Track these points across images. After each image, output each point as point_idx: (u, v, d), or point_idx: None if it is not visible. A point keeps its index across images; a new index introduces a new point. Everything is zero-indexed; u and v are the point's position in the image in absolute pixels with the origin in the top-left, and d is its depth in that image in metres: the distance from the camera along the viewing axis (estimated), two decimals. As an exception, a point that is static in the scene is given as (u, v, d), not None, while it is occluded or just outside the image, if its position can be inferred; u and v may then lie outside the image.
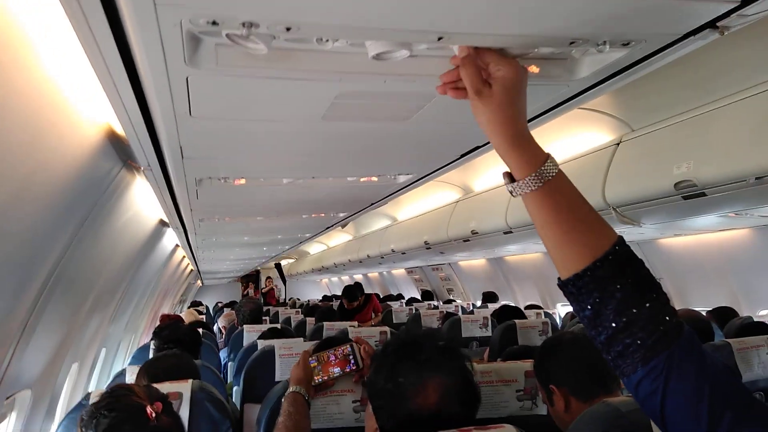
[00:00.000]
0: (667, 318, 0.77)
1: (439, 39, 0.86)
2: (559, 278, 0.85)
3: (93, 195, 1.86)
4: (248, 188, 2.03)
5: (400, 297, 9.83)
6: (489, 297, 7.27)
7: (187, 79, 0.98)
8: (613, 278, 0.78)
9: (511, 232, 4.51)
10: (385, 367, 1.17)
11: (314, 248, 13.29)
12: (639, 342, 0.76)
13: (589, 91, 1.15)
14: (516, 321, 3.61)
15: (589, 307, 0.79)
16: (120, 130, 1.40)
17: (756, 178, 2.49)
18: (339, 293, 7.94)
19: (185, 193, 2.05)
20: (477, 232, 4.97)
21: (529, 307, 5.73)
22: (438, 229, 5.68)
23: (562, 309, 6.45)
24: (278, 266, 15.24)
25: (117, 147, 1.65)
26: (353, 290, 6.14)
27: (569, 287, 0.82)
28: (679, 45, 0.99)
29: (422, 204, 6.32)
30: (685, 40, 0.97)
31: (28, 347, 2.08)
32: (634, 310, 0.76)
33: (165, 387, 1.71)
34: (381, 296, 9.49)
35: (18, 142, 1.17)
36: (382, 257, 7.73)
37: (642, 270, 0.80)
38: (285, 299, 14.44)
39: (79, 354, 3.27)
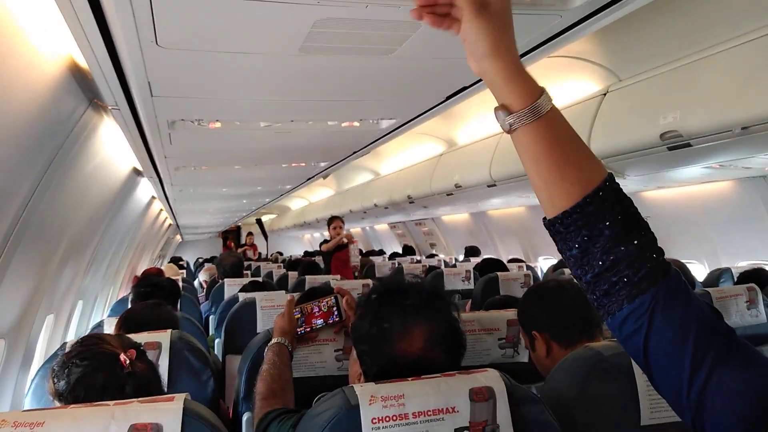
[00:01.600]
0: (654, 256, 0.76)
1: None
2: (545, 218, 0.82)
3: (57, 137, 1.74)
4: (224, 133, 1.94)
5: (381, 252, 9.87)
6: (471, 251, 7.33)
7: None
8: (602, 215, 0.76)
9: (494, 185, 4.50)
10: (370, 312, 1.16)
11: (296, 203, 13.23)
12: (625, 280, 0.75)
13: (583, 23, 1.08)
14: (498, 273, 3.63)
15: (576, 245, 0.78)
16: (83, 63, 1.29)
17: (741, 128, 2.49)
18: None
19: (158, 138, 1.95)
20: (461, 186, 4.95)
21: (512, 260, 5.78)
22: (421, 182, 5.65)
23: (544, 263, 6.53)
24: (259, 221, 15.16)
25: (81, 83, 1.54)
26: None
27: (557, 226, 0.80)
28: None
29: (405, 158, 6.26)
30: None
31: (-3, 296, 2.02)
32: (622, 248, 0.75)
33: (143, 337, 1.68)
34: (364, 251, 9.52)
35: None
36: (365, 212, 7.71)
37: (631, 207, 0.79)
38: (267, 255, 14.40)
39: (54, 306, 3.21)
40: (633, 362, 1.25)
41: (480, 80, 1.64)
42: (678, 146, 2.83)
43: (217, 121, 1.78)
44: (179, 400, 0.99)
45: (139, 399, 1.00)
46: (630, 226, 0.76)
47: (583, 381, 1.29)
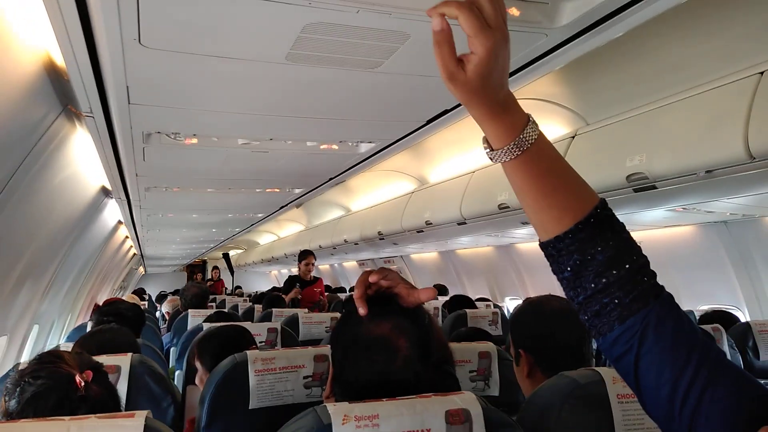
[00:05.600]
0: (646, 279, 0.76)
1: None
2: (539, 240, 0.82)
3: (25, 144, 1.67)
4: (200, 150, 1.90)
5: (351, 290, 9.75)
6: (439, 290, 7.32)
7: (137, -6, 0.88)
8: (594, 241, 0.77)
9: (465, 222, 4.53)
10: (347, 310, 1.15)
11: (264, 238, 13.08)
12: (616, 301, 0.75)
13: (568, 44, 1.11)
14: (467, 310, 3.63)
15: (568, 269, 0.78)
16: (60, 62, 1.25)
17: (706, 171, 2.57)
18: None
19: (131, 152, 1.90)
20: (431, 223, 4.97)
21: (479, 299, 5.78)
22: (392, 219, 5.65)
23: (511, 303, 6.55)
24: (226, 256, 14.88)
25: (56, 86, 1.49)
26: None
27: (549, 249, 0.80)
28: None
29: (377, 195, 6.28)
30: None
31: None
32: (614, 272, 0.76)
33: (102, 360, 1.60)
34: (332, 287, 9.39)
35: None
36: (335, 248, 7.65)
37: (623, 233, 0.79)
38: (233, 290, 14.09)
39: (7, 327, 3.06)
40: (609, 391, 1.25)
41: (460, 104, 1.67)
42: (644, 188, 2.89)
43: (194, 136, 1.75)
44: (140, 417, 0.94)
45: (98, 415, 0.94)
46: (622, 251, 0.77)
47: (560, 408, 1.26)
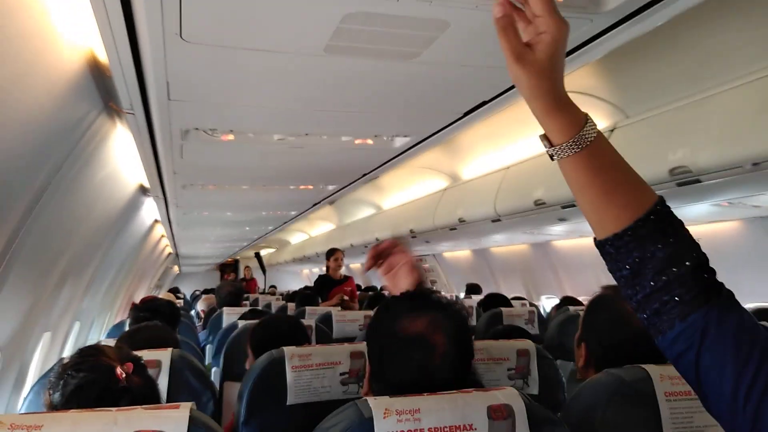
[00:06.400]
0: (706, 275, 0.76)
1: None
2: (595, 238, 0.82)
3: (68, 141, 1.70)
4: (236, 146, 1.92)
5: (382, 289, 9.76)
6: (472, 288, 7.26)
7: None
8: (654, 238, 0.76)
9: (499, 219, 4.48)
10: (382, 306, 1.19)
11: (295, 237, 13.20)
12: (677, 299, 0.75)
13: (613, 30, 1.07)
14: (502, 309, 3.59)
15: (627, 267, 0.78)
16: (103, 58, 1.27)
17: (753, 164, 2.48)
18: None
19: (169, 149, 1.93)
20: (464, 220, 4.93)
21: (514, 298, 5.71)
22: (424, 217, 5.63)
23: (547, 302, 6.45)
24: (258, 255, 15.08)
25: (99, 83, 1.52)
26: None
27: (607, 247, 0.80)
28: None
29: (409, 192, 6.26)
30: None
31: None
32: (674, 269, 0.75)
33: (143, 355, 1.63)
34: (363, 287, 9.41)
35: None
36: (366, 246, 7.67)
37: (682, 229, 0.78)
38: (264, 289, 14.27)
39: (50, 324, 3.16)
40: (656, 388, 1.22)
41: (499, 95, 1.65)
42: (687, 182, 2.82)
43: (230, 132, 1.76)
44: (185, 408, 0.94)
45: (143, 406, 0.96)
46: (682, 248, 0.76)
47: (605, 406, 1.24)
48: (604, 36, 1.12)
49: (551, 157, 0.82)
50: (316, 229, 10.88)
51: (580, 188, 0.81)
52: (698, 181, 2.78)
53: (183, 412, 0.92)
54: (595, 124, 0.81)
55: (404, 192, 6.35)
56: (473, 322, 4.26)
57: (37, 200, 1.89)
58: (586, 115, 0.81)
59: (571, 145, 0.79)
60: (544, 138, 0.83)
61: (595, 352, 1.46)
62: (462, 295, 7.50)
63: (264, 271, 15.31)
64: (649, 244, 0.76)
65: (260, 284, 15.30)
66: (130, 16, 1.00)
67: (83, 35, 1.26)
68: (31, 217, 1.93)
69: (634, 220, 0.77)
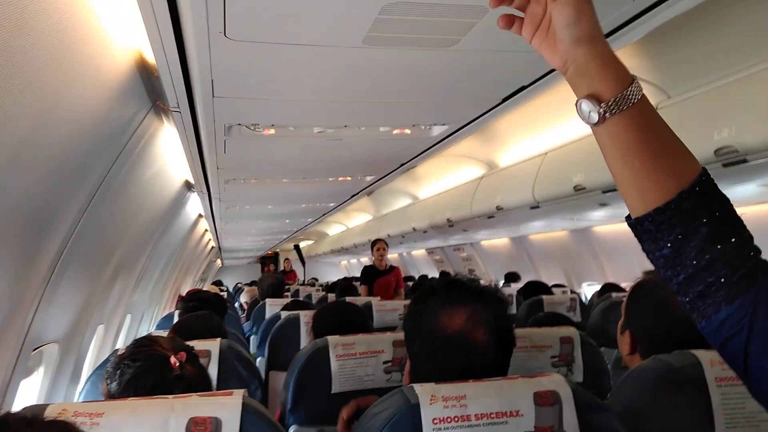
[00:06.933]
0: (752, 254, 0.71)
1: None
2: (628, 216, 0.78)
3: (119, 140, 1.78)
4: (277, 140, 1.96)
5: (421, 278, 9.77)
6: (511, 277, 7.20)
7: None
8: (699, 212, 0.71)
9: (538, 206, 4.42)
10: (416, 300, 1.16)
11: (333, 229, 13.32)
12: (722, 279, 0.70)
13: (655, 8, 1.05)
14: (543, 297, 3.54)
15: (669, 244, 0.73)
16: (151, 58, 1.32)
17: (803, 142, 2.39)
18: (359, 275, 7.94)
19: (213, 145, 1.99)
20: (502, 208, 4.88)
21: (554, 286, 5.64)
22: (461, 205, 5.60)
23: (588, 289, 6.34)
24: (297, 247, 15.28)
25: (147, 84, 1.58)
26: None
27: (646, 224, 0.75)
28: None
29: (445, 181, 6.24)
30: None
31: (52, 302, 2.06)
32: (719, 246, 0.70)
33: (194, 345, 1.68)
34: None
35: (39, 67, 1.06)
36: (403, 236, 7.67)
37: (727, 203, 0.73)
38: (304, 281, 14.47)
39: (104, 317, 3.28)
40: (706, 374, 1.19)
41: (538, 79, 1.63)
42: (733, 162, 2.73)
43: (272, 126, 1.81)
44: (238, 395, 0.98)
45: (198, 393, 1.00)
46: (727, 224, 0.72)
47: (654, 392, 1.22)
48: (645, 15, 1.10)
49: (601, 114, 0.75)
50: (353, 221, 10.95)
51: (627, 151, 0.75)
52: (745, 161, 2.69)
53: (236, 399, 0.96)
54: (640, 85, 0.76)
55: (441, 181, 6.32)
56: (513, 310, 4.23)
57: (90, 199, 1.98)
58: (633, 75, 0.76)
59: (621, 100, 0.74)
60: (589, 99, 0.76)
61: (641, 340, 1.44)
62: (501, 283, 7.45)
63: (303, 263, 15.51)
64: (693, 218, 0.71)
65: (299, 276, 15.52)
66: (176, 17, 1.04)
67: (132, 37, 1.30)
68: (86, 215, 2.01)
69: (678, 191, 0.72)
